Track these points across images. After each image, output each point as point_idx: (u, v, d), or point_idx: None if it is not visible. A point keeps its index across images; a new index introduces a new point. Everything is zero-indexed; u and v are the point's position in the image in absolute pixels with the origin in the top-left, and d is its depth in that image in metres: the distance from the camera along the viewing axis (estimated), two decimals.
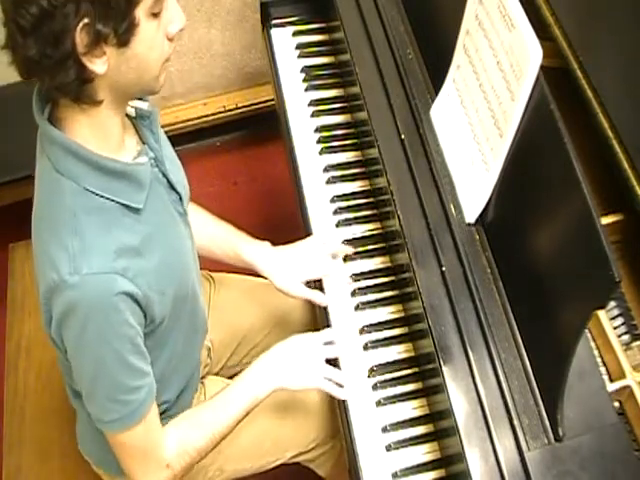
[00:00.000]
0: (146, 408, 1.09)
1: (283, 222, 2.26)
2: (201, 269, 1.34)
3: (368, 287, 1.39)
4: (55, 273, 0.97)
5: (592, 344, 1.20)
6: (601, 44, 1.36)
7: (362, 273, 1.40)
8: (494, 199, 1.23)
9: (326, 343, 1.30)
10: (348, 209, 1.47)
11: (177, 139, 2.34)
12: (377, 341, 1.33)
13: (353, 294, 1.38)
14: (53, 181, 1.00)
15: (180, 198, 1.17)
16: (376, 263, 1.42)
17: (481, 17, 1.23)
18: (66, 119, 0.99)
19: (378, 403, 1.28)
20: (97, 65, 0.92)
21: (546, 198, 1.13)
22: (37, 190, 1.05)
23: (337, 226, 1.46)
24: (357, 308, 1.37)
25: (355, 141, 1.55)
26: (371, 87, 1.43)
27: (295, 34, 1.70)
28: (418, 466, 1.22)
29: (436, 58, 1.40)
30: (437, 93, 1.37)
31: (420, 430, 1.26)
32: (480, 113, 1.25)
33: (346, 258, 1.42)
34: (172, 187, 1.14)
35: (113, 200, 1.00)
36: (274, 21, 1.71)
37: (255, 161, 2.53)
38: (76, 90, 0.94)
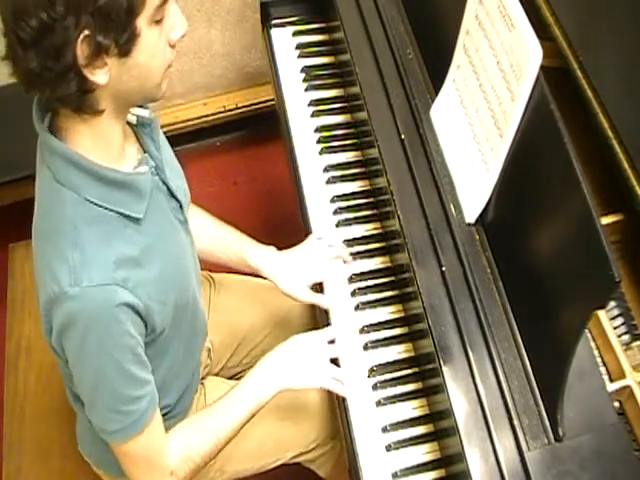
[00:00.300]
0: (148, 418, 1.09)
1: (283, 222, 2.26)
2: (201, 269, 1.34)
3: (368, 287, 1.39)
4: (55, 284, 0.97)
5: (592, 344, 1.20)
6: (601, 44, 1.36)
7: (362, 273, 1.40)
8: (494, 199, 1.23)
9: (329, 342, 1.30)
10: (348, 209, 1.47)
11: (177, 139, 2.34)
12: (377, 341, 1.33)
13: (353, 294, 1.38)
14: (53, 191, 0.99)
15: (180, 206, 1.16)
16: (376, 263, 1.42)
17: (481, 17, 1.23)
18: (67, 129, 0.98)
19: (378, 403, 1.28)
20: (98, 76, 0.91)
21: (546, 198, 1.13)
22: (37, 200, 1.05)
23: (337, 226, 1.46)
24: (357, 308, 1.37)
25: (355, 141, 1.55)
26: (371, 87, 1.43)
27: (295, 34, 1.70)
28: (418, 466, 1.22)
29: (436, 58, 1.40)
30: (437, 93, 1.37)
31: (420, 430, 1.26)
32: (480, 113, 1.25)
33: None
34: (172, 195, 1.14)
35: (113, 210, 1.00)
36: (274, 21, 1.71)
37: (255, 161, 2.53)
38: (77, 101, 0.93)
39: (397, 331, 1.35)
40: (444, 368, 1.15)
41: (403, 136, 1.35)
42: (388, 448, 1.24)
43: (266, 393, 1.24)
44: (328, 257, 1.40)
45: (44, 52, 0.88)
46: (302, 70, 1.65)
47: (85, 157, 0.98)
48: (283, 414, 1.43)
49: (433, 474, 1.22)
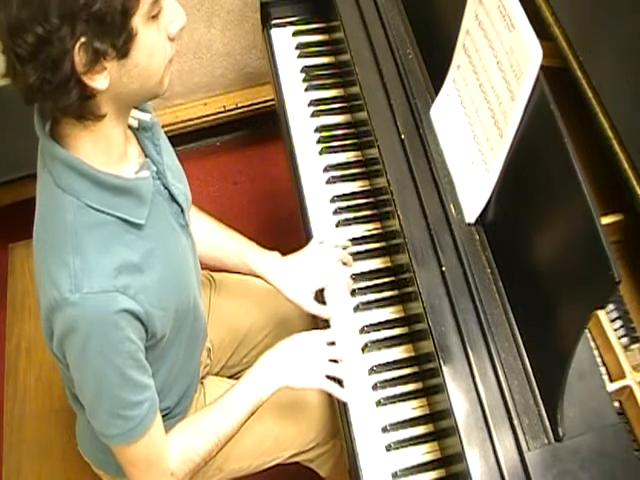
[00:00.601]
0: (149, 422, 1.09)
1: (283, 222, 2.27)
2: (202, 269, 1.34)
3: (368, 287, 1.39)
4: (56, 290, 0.97)
5: (592, 344, 1.20)
6: (601, 44, 1.36)
7: (362, 273, 1.40)
8: (494, 199, 1.23)
9: (329, 343, 1.30)
10: (348, 209, 1.47)
11: (177, 139, 2.34)
12: (377, 341, 1.33)
13: (353, 294, 1.38)
14: (54, 196, 0.99)
15: (181, 210, 1.16)
16: (376, 263, 1.42)
17: (481, 17, 1.23)
18: (68, 135, 0.98)
19: (378, 403, 1.28)
20: (98, 81, 0.91)
21: (546, 198, 1.13)
22: (38, 205, 1.04)
23: (337, 226, 1.46)
24: (357, 308, 1.37)
25: (355, 141, 1.55)
26: (371, 87, 1.43)
27: (295, 34, 1.70)
28: (418, 466, 1.22)
29: (436, 58, 1.40)
30: (437, 93, 1.37)
31: (420, 430, 1.26)
32: (480, 113, 1.25)
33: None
34: (173, 199, 1.14)
35: (114, 216, 1.00)
36: (274, 21, 1.71)
37: (255, 161, 2.53)
38: (79, 109, 0.93)
39: (397, 331, 1.35)
40: (444, 368, 1.15)
41: (403, 136, 1.35)
42: (388, 448, 1.24)
43: (266, 391, 1.24)
44: (332, 260, 1.40)
45: (42, 65, 0.87)
46: (302, 70, 1.65)
47: (86, 163, 0.98)
48: (282, 413, 1.43)
49: (433, 474, 1.22)
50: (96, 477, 1.41)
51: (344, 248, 1.42)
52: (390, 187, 1.32)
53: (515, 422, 1.10)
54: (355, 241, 1.44)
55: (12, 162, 1.95)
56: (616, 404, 1.18)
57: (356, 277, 1.40)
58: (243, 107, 2.44)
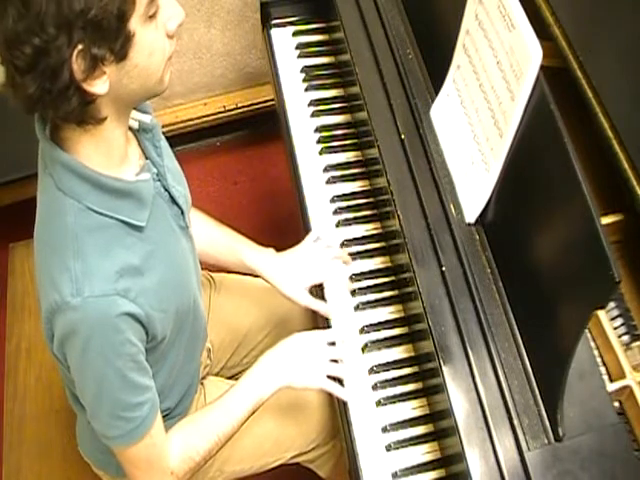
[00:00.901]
0: (150, 423, 1.09)
1: (283, 222, 2.27)
2: (201, 269, 1.34)
3: (368, 287, 1.39)
4: (57, 294, 0.97)
5: (592, 344, 1.20)
6: (601, 44, 1.36)
7: (362, 273, 1.40)
8: (494, 199, 1.23)
9: (329, 344, 1.30)
10: (348, 209, 1.47)
11: (177, 139, 2.36)
12: (377, 341, 1.33)
13: (353, 294, 1.38)
14: (55, 199, 0.99)
15: (182, 212, 1.16)
16: (376, 263, 1.42)
17: (481, 17, 1.23)
18: (69, 139, 0.98)
19: (378, 403, 1.28)
20: (98, 86, 0.90)
21: (546, 198, 1.13)
22: (39, 207, 1.04)
23: (337, 226, 1.46)
24: (357, 308, 1.37)
25: (355, 141, 1.55)
26: (371, 87, 1.43)
27: (295, 34, 1.70)
28: (418, 466, 1.22)
29: (436, 58, 1.40)
30: (437, 93, 1.37)
31: (420, 430, 1.26)
32: (480, 113, 1.25)
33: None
34: (174, 201, 1.14)
35: (115, 218, 1.00)
36: (274, 21, 1.71)
37: (255, 161, 2.53)
38: (79, 114, 0.93)
39: (397, 331, 1.35)
40: (444, 368, 1.15)
41: (403, 136, 1.35)
42: (388, 448, 1.24)
43: (266, 390, 1.24)
44: (327, 258, 1.40)
45: (41, 75, 0.87)
46: (302, 70, 1.65)
47: (87, 166, 0.98)
48: (283, 414, 1.43)
49: (433, 474, 1.22)
50: (96, 477, 1.41)
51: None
52: (390, 187, 1.32)
53: (515, 422, 1.10)
54: (355, 241, 1.44)
55: (12, 162, 1.95)
56: (616, 404, 1.18)
57: (356, 277, 1.40)
58: (243, 107, 2.44)
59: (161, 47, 0.96)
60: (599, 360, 1.21)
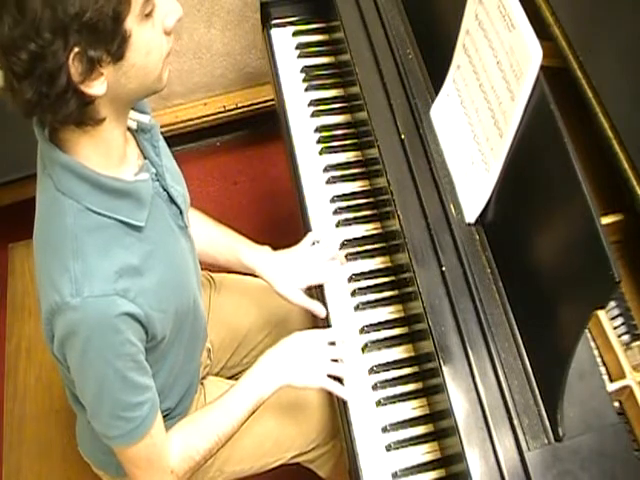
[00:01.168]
0: (150, 422, 1.09)
1: (283, 222, 2.27)
2: (201, 269, 1.34)
3: (368, 287, 1.39)
4: (57, 294, 0.97)
5: (592, 344, 1.20)
6: (601, 44, 1.36)
7: (362, 273, 1.40)
8: (494, 199, 1.23)
9: (329, 343, 1.30)
10: (348, 209, 1.47)
11: (177, 139, 2.36)
12: (377, 341, 1.33)
13: (353, 294, 1.38)
14: (54, 200, 0.99)
15: (180, 212, 1.16)
16: (376, 263, 1.42)
17: (481, 17, 1.23)
18: (68, 140, 0.98)
19: (378, 403, 1.28)
20: (96, 88, 0.90)
21: (546, 198, 1.13)
22: (38, 208, 1.04)
23: (337, 226, 1.46)
24: (357, 308, 1.37)
25: (355, 141, 1.55)
26: (371, 87, 1.43)
27: (295, 34, 1.70)
28: (418, 466, 1.22)
29: (436, 58, 1.40)
30: (437, 93, 1.37)
31: (420, 430, 1.26)
32: (480, 113, 1.25)
33: (346, 256, 1.42)
34: (172, 201, 1.14)
35: (115, 218, 1.00)
36: (274, 21, 1.71)
37: (255, 161, 2.53)
38: (78, 116, 0.93)
39: (397, 331, 1.35)
40: (444, 368, 1.15)
41: (403, 136, 1.35)
42: (388, 448, 1.24)
43: (267, 389, 1.24)
44: (324, 259, 1.40)
45: (38, 80, 0.87)
46: (302, 70, 1.65)
47: (86, 166, 0.98)
48: (283, 414, 1.43)
49: (433, 474, 1.22)
50: (96, 477, 1.41)
51: (345, 256, 1.41)
52: (390, 187, 1.32)
53: (515, 422, 1.10)
54: (355, 241, 1.44)
55: (12, 162, 1.95)
56: (616, 404, 1.18)
57: (356, 277, 1.40)
58: (243, 107, 2.44)
59: (158, 45, 0.95)
60: (599, 360, 1.21)
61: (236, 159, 2.53)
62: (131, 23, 0.89)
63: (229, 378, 1.54)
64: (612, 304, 1.25)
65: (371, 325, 1.35)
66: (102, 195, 0.99)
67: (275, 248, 1.45)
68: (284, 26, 1.71)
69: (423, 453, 1.24)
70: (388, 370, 1.30)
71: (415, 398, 1.28)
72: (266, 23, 1.71)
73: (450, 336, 1.18)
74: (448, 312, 1.19)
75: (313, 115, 1.59)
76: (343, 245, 1.43)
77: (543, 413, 1.11)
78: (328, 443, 1.47)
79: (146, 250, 1.04)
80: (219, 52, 2.33)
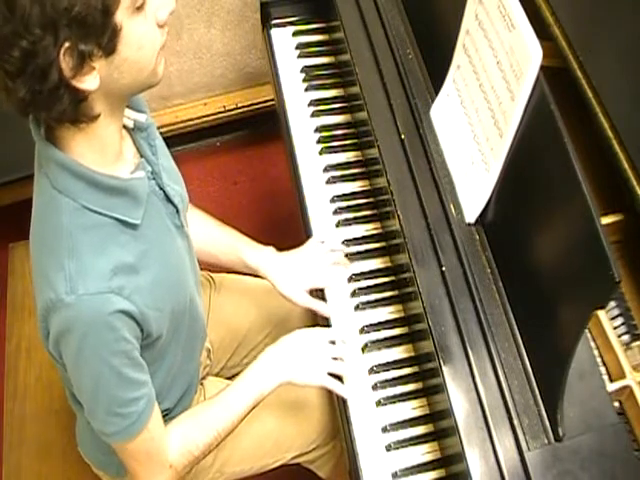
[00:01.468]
0: (146, 418, 1.09)
1: (283, 222, 2.26)
2: (201, 269, 1.34)
3: (368, 287, 1.39)
4: (52, 292, 0.97)
5: (592, 344, 1.20)
6: (601, 44, 1.36)
7: (362, 273, 1.40)
8: (494, 199, 1.23)
9: (330, 342, 1.30)
10: (348, 209, 1.47)
11: (177, 139, 2.35)
12: (377, 341, 1.33)
13: (353, 294, 1.38)
14: (50, 198, 0.99)
15: (177, 211, 1.16)
16: (376, 263, 1.42)
17: (481, 17, 1.23)
18: (64, 138, 0.98)
19: (378, 403, 1.28)
20: (88, 82, 0.90)
21: (546, 198, 1.13)
22: (35, 206, 1.05)
23: (337, 226, 1.46)
24: (357, 308, 1.37)
25: (355, 141, 1.55)
26: (371, 87, 1.43)
27: (295, 34, 1.70)
28: (418, 466, 1.22)
29: (436, 58, 1.40)
30: (437, 93, 1.37)
31: (420, 430, 1.26)
32: (480, 113, 1.25)
33: (346, 256, 1.42)
34: (169, 200, 1.14)
35: (110, 216, 1.00)
36: (274, 21, 1.71)
37: (255, 161, 2.53)
38: (72, 113, 0.93)
39: (397, 331, 1.35)
40: (444, 368, 1.15)
41: (403, 136, 1.35)
42: (388, 448, 1.24)
43: (267, 385, 1.24)
44: (328, 262, 1.39)
45: (31, 77, 0.87)
46: (302, 70, 1.65)
47: (82, 164, 0.98)
48: (283, 414, 1.43)
49: (433, 474, 1.22)
50: (96, 477, 1.41)
51: (346, 255, 1.41)
52: (390, 187, 1.32)
53: (515, 422, 1.10)
54: (355, 241, 1.44)
55: (12, 162, 1.95)
56: (616, 404, 1.18)
57: (356, 277, 1.40)
58: (243, 107, 2.44)
59: (151, 39, 0.95)
60: (599, 360, 1.21)
61: (236, 159, 2.53)
62: (121, 16, 0.89)
63: (229, 378, 1.54)
64: (612, 304, 1.25)
65: (371, 325, 1.35)
66: (98, 193, 0.99)
67: (276, 248, 1.44)
68: (284, 26, 1.71)
69: (423, 453, 1.24)
70: (388, 370, 1.30)
71: (415, 398, 1.28)
72: (266, 23, 1.71)
73: (450, 336, 1.18)
74: (448, 312, 1.19)
75: (313, 115, 1.59)
76: (343, 245, 1.43)
77: (543, 413, 1.11)
78: (328, 444, 1.47)
79: (142, 248, 1.04)
80: (219, 52, 2.33)
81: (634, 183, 1.19)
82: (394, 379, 1.29)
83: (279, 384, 1.25)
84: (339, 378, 1.28)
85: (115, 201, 1.00)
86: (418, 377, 1.29)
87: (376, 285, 1.39)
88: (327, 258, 1.40)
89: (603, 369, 1.21)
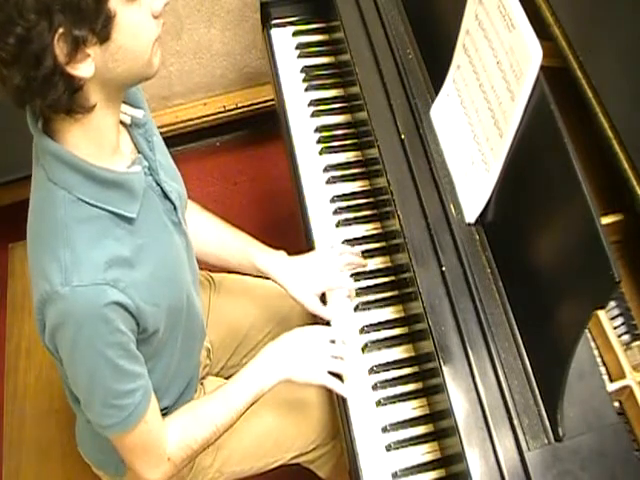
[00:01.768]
0: (143, 409, 1.09)
1: (283, 222, 2.26)
2: (201, 269, 1.34)
3: (368, 287, 1.39)
4: (47, 284, 0.97)
5: (592, 344, 1.20)
6: (601, 44, 1.36)
7: (362, 273, 1.40)
8: (494, 199, 1.23)
9: (330, 341, 1.30)
10: (348, 209, 1.47)
11: (177, 139, 2.36)
12: (377, 341, 1.33)
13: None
14: (47, 190, 0.99)
15: (175, 208, 1.16)
16: (376, 263, 1.42)
17: (481, 17, 1.23)
18: (60, 130, 0.98)
19: (378, 403, 1.28)
20: (83, 70, 0.90)
21: (546, 198, 1.13)
22: (32, 199, 1.05)
23: (337, 226, 1.46)
24: (357, 308, 1.37)
25: (355, 141, 1.55)
26: (371, 87, 1.43)
27: (295, 34, 1.70)
28: (418, 466, 1.22)
29: (436, 58, 1.40)
30: (437, 93, 1.37)
31: (420, 430, 1.26)
32: (480, 113, 1.25)
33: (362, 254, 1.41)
34: (166, 196, 1.14)
35: (106, 209, 1.00)
36: (274, 21, 1.71)
37: (255, 161, 2.53)
38: (68, 103, 0.93)
39: (397, 331, 1.35)
40: (444, 368, 1.15)
41: (403, 136, 1.35)
42: (388, 448, 1.24)
43: (267, 382, 1.24)
44: (339, 266, 1.39)
45: (25, 64, 0.87)
46: (302, 70, 1.65)
47: (78, 156, 0.98)
48: (283, 414, 1.43)
49: (433, 474, 1.22)
50: (96, 477, 1.41)
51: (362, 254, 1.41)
52: (390, 187, 1.32)
53: (515, 422, 1.10)
54: (355, 241, 1.44)
55: (12, 162, 1.94)
56: (616, 404, 1.18)
57: (356, 277, 1.40)
58: (243, 107, 2.44)
59: (146, 28, 0.95)
60: (599, 360, 1.21)
61: (236, 159, 2.53)
62: (115, 3, 0.89)
63: (228, 378, 1.54)
64: (612, 304, 1.25)
65: (371, 325, 1.35)
66: (94, 186, 0.99)
67: (276, 248, 1.44)
68: (284, 26, 1.71)
69: (423, 453, 1.24)
70: (388, 370, 1.30)
71: (415, 398, 1.28)
72: (266, 23, 1.71)
73: (450, 336, 1.18)
74: (448, 312, 1.19)
75: (313, 115, 1.59)
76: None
77: (543, 413, 1.11)
78: (328, 443, 1.47)
79: (138, 243, 1.04)
80: (219, 52, 2.33)
81: (634, 183, 1.19)
82: (394, 379, 1.30)
83: (279, 380, 1.25)
84: (339, 377, 1.28)
85: (111, 194, 1.00)
86: (418, 377, 1.29)
87: (376, 285, 1.39)
88: (338, 262, 1.39)
89: (603, 369, 1.21)
